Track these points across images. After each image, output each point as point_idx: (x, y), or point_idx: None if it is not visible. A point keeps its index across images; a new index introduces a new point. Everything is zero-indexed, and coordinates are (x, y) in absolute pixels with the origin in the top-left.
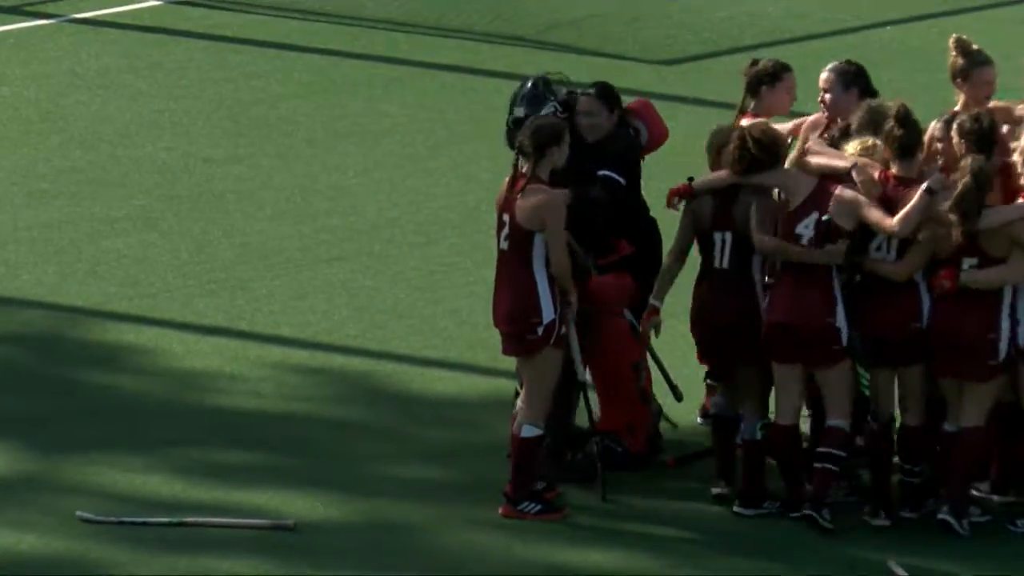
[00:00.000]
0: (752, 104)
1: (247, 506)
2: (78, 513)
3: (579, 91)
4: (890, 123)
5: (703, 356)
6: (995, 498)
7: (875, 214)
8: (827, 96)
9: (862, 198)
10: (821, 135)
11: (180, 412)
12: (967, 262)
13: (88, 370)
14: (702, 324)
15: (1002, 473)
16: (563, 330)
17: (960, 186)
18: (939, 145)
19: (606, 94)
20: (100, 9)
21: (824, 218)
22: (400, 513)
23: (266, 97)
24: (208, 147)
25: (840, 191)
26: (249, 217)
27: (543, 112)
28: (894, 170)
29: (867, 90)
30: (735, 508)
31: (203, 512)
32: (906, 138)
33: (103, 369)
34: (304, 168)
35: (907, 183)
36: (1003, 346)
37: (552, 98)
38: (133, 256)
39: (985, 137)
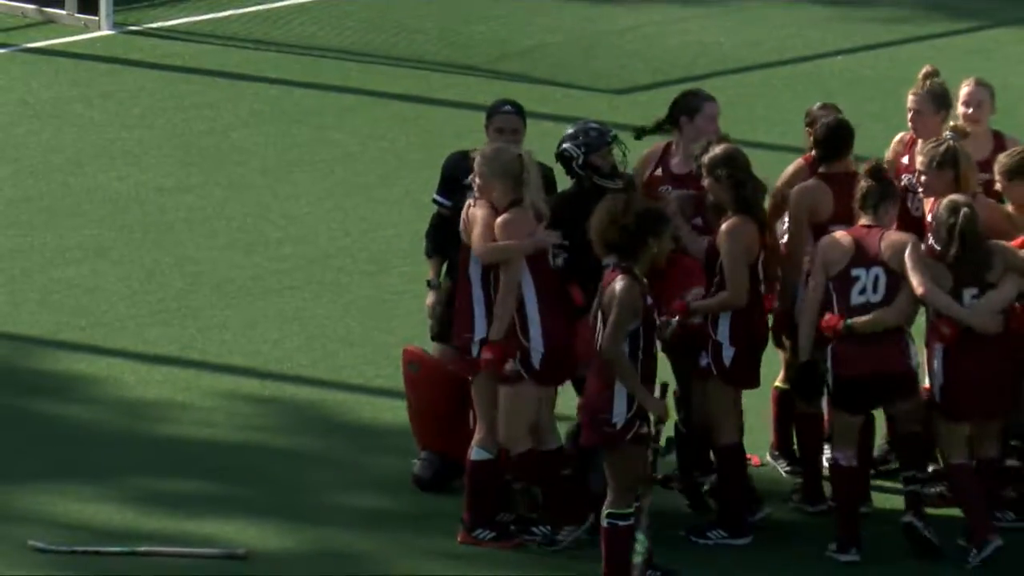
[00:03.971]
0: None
1: (199, 535)
2: (30, 542)
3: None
4: (866, 176)
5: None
6: None
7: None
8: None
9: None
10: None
11: (132, 441)
12: (967, 293)
13: (39, 399)
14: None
15: None
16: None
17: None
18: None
19: (522, 108)
20: (52, 39)
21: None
22: (351, 542)
23: (217, 126)
24: (160, 176)
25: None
26: (201, 246)
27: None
28: (864, 220)
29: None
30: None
31: (155, 541)
32: (884, 191)
33: (54, 398)
34: (256, 197)
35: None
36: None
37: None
38: (84, 285)
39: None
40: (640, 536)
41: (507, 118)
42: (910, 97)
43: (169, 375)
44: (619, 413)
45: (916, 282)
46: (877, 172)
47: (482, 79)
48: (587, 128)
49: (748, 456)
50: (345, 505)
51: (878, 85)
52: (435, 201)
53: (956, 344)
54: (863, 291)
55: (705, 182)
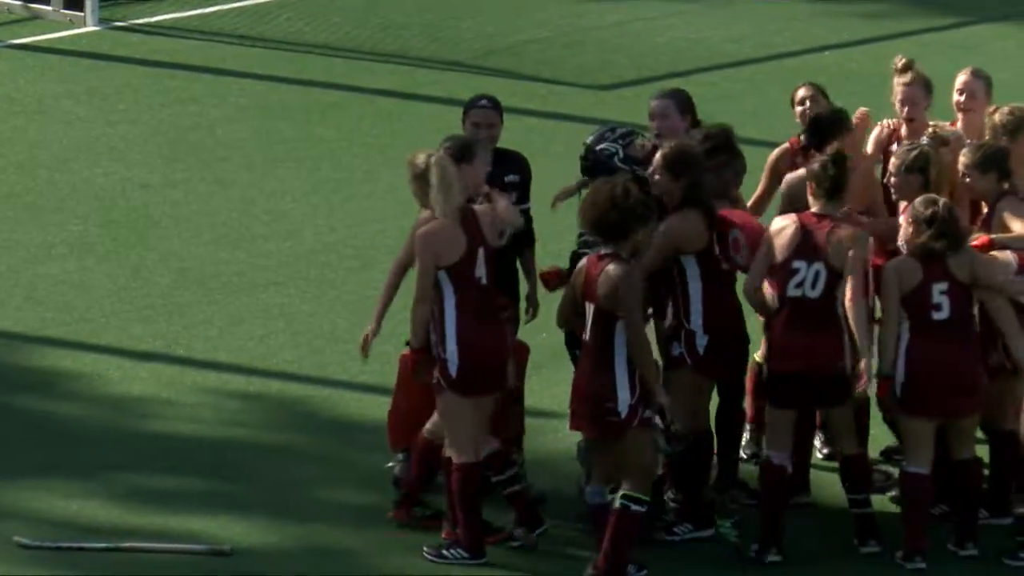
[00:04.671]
0: None
1: (184, 531)
2: (15, 538)
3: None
4: (824, 162)
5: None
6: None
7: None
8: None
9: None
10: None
11: (117, 438)
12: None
13: (25, 395)
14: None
15: (999, 495)
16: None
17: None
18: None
19: (499, 103)
20: (38, 35)
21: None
22: (337, 538)
23: (203, 122)
24: (145, 172)
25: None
26: (186, 242)
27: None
28: (816, 208)
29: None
30: None
31: (140, 537)
32: (839, 179)
33: (40, 394)
34: (241, 193)
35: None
36: (983, 381)
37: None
38: (70, 282)
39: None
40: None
41: (482, 112)
42: (902, 88)
43: (154, 371)
44: (623, 401)
45: (849, 289)
46: (839, 159)
47: (468, 75)
48: (612, 127)
49: None
50: (331, 501)
51: (864, 80)
52: None
53: (917, 339)
54: (800, 284)
55: (656, 176)
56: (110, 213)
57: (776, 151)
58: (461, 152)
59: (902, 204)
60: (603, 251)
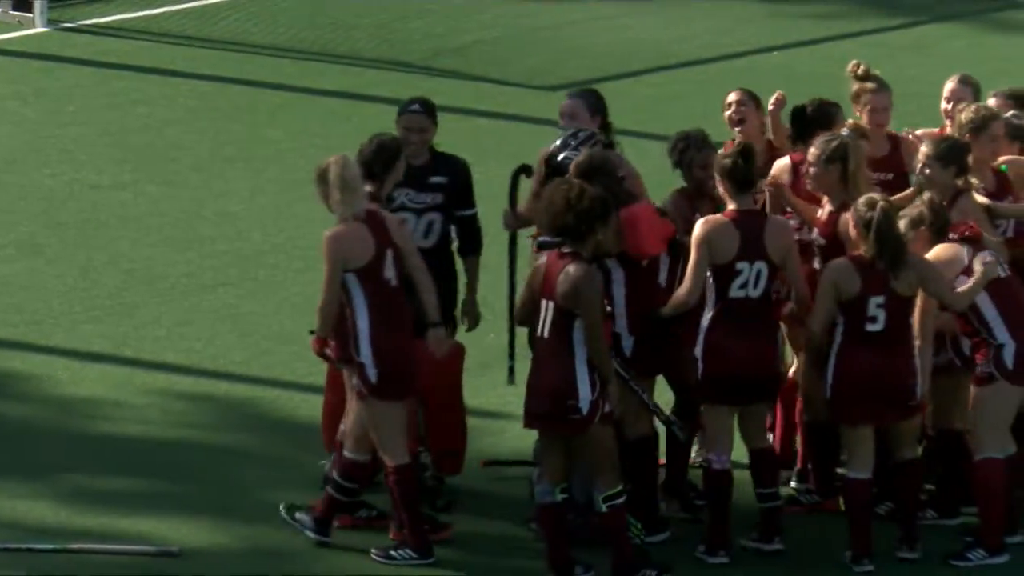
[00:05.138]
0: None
1: (132, 532)
2: None
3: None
4: (733, 157)
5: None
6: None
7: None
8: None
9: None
10: None
11: (66, 438)
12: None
13: None
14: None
15: (946, 496)
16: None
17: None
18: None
19: (432, 107)
20: None
21: None
22: (285, 539)
23: (152, 123)
24: (94, 173)
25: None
26: (135, 243)
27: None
28: (733, 204)
29: None
30: None
31: (89, 538)
32: (749, 172)
33: None
34: (190, 194)
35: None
36: (919, 389)
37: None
38: (19, 283)
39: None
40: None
41: (413, 118)
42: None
43: (103, 372)
44: (585, 398)
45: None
46: (747, 152)
47: (416, 76)
48: (574, 132)
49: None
50: (278, 502)
51: (813, 81)
52: None
53: (849, 347)
54: (743, 286)
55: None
56: (59, 214)
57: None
58: (374, 159)
59: (822, 199)
60: (564, 249)
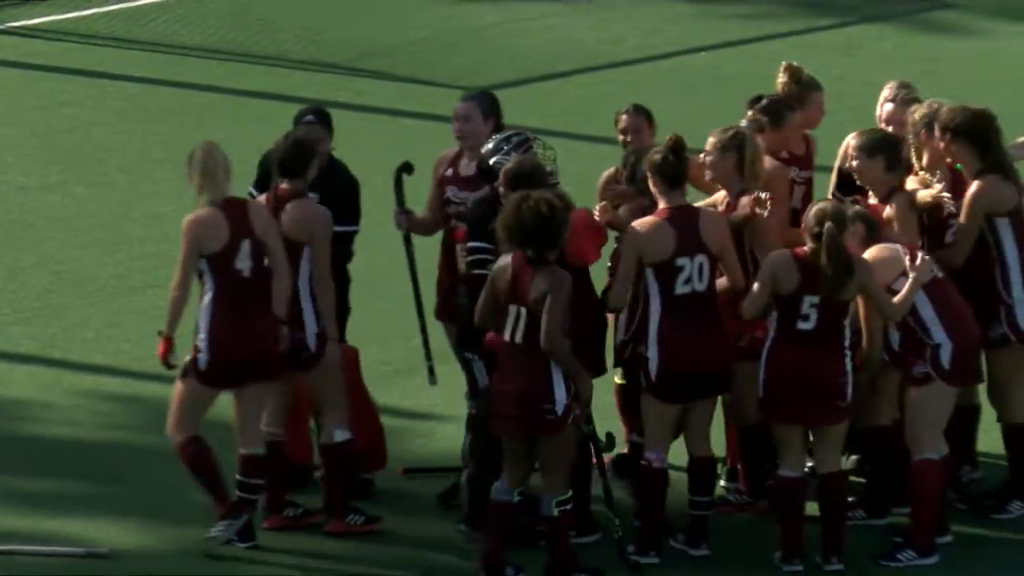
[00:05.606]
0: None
1: (61, 534)
2: None
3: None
4: (663, 153)
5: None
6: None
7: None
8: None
9: None
10: None
11: None
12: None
13: None
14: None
15: (876, 496)
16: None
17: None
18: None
19: (328, 117)
20: None
21: None
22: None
23: (79, 125)
24: (21, 175)
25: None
26: (63, 245)
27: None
28: (664, 202)
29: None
30: None
31: (18, 540)
32: (680, 168)
33: None
34: (118, 196)
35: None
36: (850, 390)
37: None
38: None
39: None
40: None
41: (307, 128)
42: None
43: (31, 374)
44: (560, 400)
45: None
46: (678, 147)
47: (344, 77)
48: (508, 135)
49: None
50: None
51: (740, 82)
52: (251, 195)
53: (780, 343)
54: (688, 280)
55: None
56: None
57: None
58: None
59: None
60: (528, 254)
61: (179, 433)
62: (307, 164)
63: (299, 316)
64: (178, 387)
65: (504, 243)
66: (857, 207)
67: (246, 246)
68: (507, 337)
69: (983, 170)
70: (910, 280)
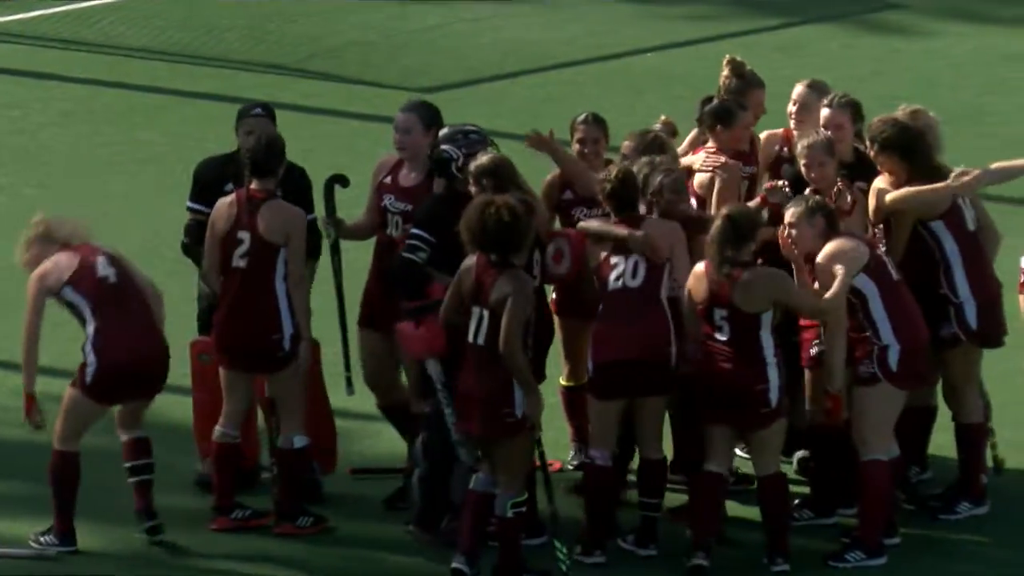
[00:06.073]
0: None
1: (9, 536)
2: None
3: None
4: (612, 182)
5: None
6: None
7: None
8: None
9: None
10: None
11: None
12: (718, 313)
13: None
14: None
15: (822, 496)
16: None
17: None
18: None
19: (273, 111)
20: None
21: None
22: (165, 541)
23: (26, 127)
24: None
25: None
26: (9, 246)
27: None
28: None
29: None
30: None
31: None
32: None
33: None
34: (66, 197)
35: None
36: (774, 396)
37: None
38: None
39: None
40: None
41: (256, 121)
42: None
43: None
44: (520, 404)
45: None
46: (627, 178)
47: (290, 78)
48: (465, 131)
49: (550, 461)
50: (157, 504)
51: (687, 82)
52: (191, 208)
53: (704, 349)
54: (619, 277)
55: (472, 190)
56: None
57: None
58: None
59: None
60: (491, 258)
61: (64, 444)
62: (280, 163)
63: (275, 317)
64: (67, 399)
65: (467, 246)
66: (817, 197)
67: (100, 260)
68: (470, 338)
69: (909, 180)
70: (838, 276)
